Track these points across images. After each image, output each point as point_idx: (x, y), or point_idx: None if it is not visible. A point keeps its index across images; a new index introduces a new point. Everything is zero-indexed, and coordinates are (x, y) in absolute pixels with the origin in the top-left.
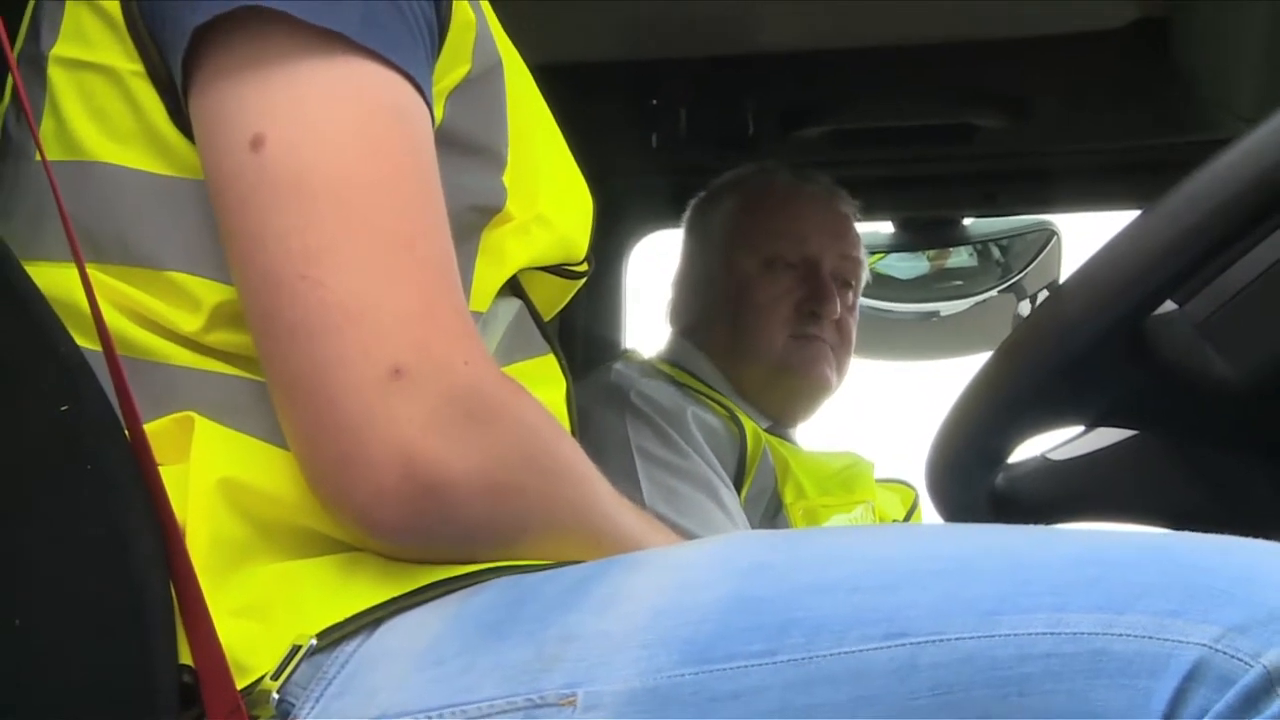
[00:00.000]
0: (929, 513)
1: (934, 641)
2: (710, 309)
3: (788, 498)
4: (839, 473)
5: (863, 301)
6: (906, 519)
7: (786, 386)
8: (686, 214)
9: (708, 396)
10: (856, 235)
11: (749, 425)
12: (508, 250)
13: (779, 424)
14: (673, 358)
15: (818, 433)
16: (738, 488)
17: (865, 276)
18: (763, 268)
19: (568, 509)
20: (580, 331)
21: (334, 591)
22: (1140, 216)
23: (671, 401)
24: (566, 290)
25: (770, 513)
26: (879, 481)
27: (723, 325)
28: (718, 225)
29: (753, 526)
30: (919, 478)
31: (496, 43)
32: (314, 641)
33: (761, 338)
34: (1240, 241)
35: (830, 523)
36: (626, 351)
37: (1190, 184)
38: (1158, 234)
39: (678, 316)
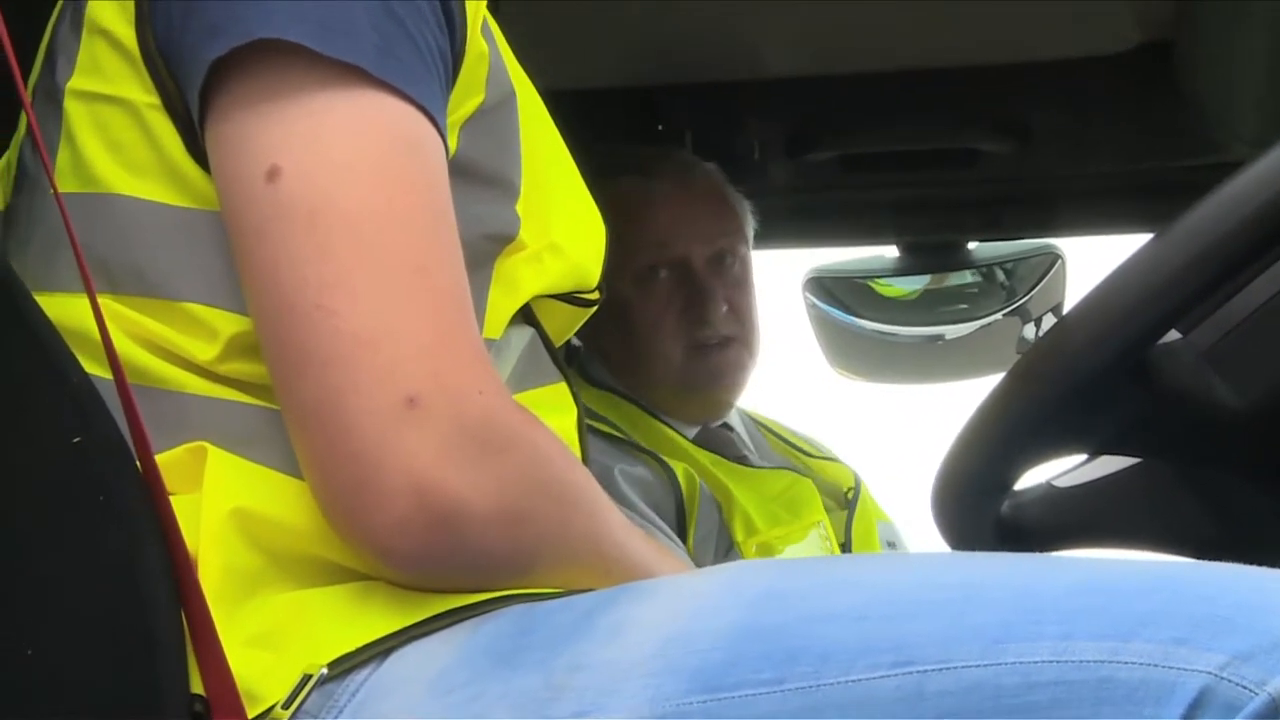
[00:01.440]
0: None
1: (940, 670)
2: (602, 332)
3: (738, 535)
4: (782, 493)
5: (866, 325)
6: (856, 494)
7: (697, 402)
8: None
9: (635, 446)
10: (722, 202)
11: (679, 467)
12: (521, 279)
13: (706, 424)
14: (597, 374)
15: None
16: (683, 534)
17: (748, 231)
18: (636, 284)
19: (580, 537)
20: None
21: (346, 620)
22: (1144, 246)
23: (596, 463)
24: (578, 318)
25: (722, 550)
26: (822, 459)
27: (619, 349)
28: None
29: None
30: (904, 496)
31: (510, 73)
32: (325, 671)
33: (657, 358)
34: (1244, 271)
35: (785, 554)
36: None
37: (1194, 214)
38: (1162, 264)
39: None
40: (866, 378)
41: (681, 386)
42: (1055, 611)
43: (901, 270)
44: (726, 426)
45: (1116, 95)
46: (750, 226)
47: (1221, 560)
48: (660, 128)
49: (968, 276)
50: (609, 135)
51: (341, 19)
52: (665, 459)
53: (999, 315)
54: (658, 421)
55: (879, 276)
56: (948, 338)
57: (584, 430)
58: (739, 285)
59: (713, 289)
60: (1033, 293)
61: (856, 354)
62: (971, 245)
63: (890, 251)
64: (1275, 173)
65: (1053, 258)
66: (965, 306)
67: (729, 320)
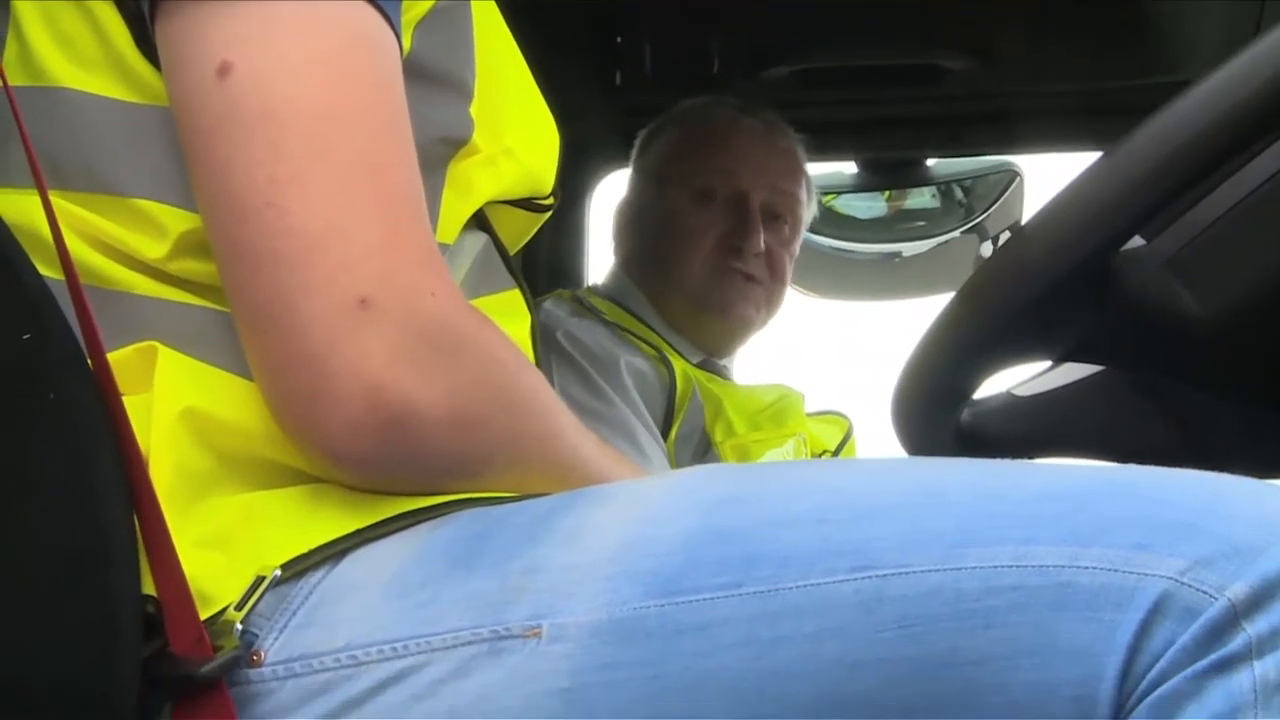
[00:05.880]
0: (863, 444)
1: (900, 574)
2: (643, 240)
3: (717, 436)
4: (769, 406)
5: (824, 241)
6: (839, 449)
7: (707, 324)
8: (635, 144)
9: (637, 337)
10: (797, 170)
11: (678, 364)
12: (475, 182)
13: (711, 357)
14: (608, 291)
15: (767, 370)
16: (667, 429)
17: (808, 213)
18: (693, 201)
19: (533, 441)
20: (543, 269)
21: (299, 522)
22: (1106, 154)
23: (599, 345)
24: (532, 223)
25: (700, 451)
26: (813, 415)
27: (652, 256)
28: (655, 157)
29: (682, 465)
30: (864, 413)
31: None
32: (278, 572)
33: (684, 269)
34: (1206, 178)
35: (763, 459)
36: (559, 291)
37: (1155, 121)
38: (1124, 171)
39: (618, 246)
40: (824, 294)
41: (695, 304)
42: (1016, 517)
43: (860, 186)
44: (725, 368)
45: (1079, 12)
46: (811, 213)
47: (1183, 468)
48: (619, 40)
49: (927, 197)
50: (567, 49)
51: None
52: (667, 356)
53: (957, 233)
54: (664, 341)
55: (837, 192)
56: (905, 255)
57: (537, 336)
58: (782, 245)
59: (757, 228)
60: (990, 210)
61: (814, 270)
62: (930, 162)
63: (849, 167)
64: (1235, 81)
65: (1011, 175)
66: (923, 224)
67: (760, 264)
